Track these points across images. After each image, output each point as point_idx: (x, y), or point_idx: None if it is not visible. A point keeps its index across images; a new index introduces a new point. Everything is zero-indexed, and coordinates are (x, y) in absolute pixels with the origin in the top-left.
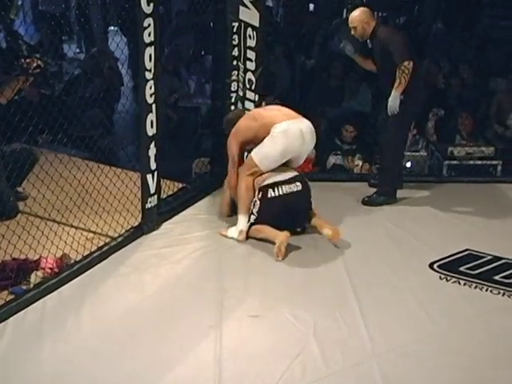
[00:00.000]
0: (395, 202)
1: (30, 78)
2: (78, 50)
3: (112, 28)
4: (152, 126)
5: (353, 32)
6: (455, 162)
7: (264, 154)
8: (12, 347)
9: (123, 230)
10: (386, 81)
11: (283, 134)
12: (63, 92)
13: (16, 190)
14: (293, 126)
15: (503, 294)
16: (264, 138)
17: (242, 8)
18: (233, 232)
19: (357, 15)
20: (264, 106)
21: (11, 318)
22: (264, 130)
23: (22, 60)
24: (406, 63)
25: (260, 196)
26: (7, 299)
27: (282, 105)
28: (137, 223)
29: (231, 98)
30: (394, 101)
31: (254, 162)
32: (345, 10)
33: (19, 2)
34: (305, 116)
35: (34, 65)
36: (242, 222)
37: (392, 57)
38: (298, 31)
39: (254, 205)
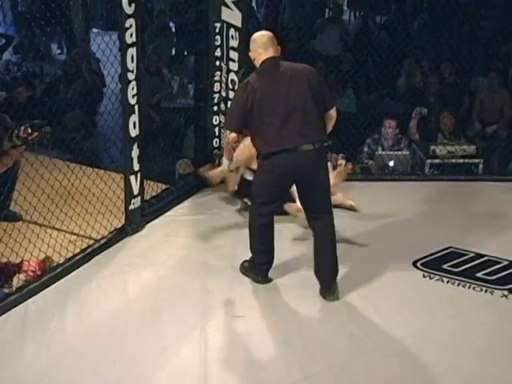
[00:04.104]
0: None
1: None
2: (59, 51)
3: (95, 30)
4: (135, 127)
5: None
6: (437, 161)
7: None
8: None
9: (106, 232)
10: None
11: None
12: (44, 93)
13: (9, 210)
14: None
15: (486, 291)
16: None
17: (224, 8)
18: None
19: None
20: None
21: None
22: None
23: (17, 130)
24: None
25: None
26: None
27: None
28: (120, 225)
29: (214, 98)
30: None
31: None
32: (327, 10)
33: None
34: None
35: (34, 135)
36: None
37: None
38: (280, 31)
39: None
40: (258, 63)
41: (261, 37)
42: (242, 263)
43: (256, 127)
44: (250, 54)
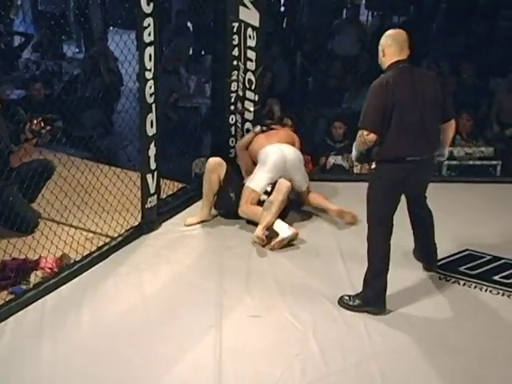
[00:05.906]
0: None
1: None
2: (77, 50)
3: (111, 28)
4: (152, 126)
5: None
6: (455, 162)
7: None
8: (11, 347)
9: (123, 230)
10: None
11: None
12: (63, 92)
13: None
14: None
15: (502, 294)
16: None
17: (241, 8)
18: (284, 231)
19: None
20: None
21: (11, 318)
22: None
23: (29, 123)
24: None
25: None
26: (7, 299)
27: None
28: (136, 223)
29: (231, 97)
30: None
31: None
32: (344, 11)
33: (18, 2)
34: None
35: (47, 128)
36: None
37: None
38: (298, 31)
39: None
40: (386, 62)
41: (399, 35)
42: (351, 300)
43: (392, 129)
44: (380, 49)
